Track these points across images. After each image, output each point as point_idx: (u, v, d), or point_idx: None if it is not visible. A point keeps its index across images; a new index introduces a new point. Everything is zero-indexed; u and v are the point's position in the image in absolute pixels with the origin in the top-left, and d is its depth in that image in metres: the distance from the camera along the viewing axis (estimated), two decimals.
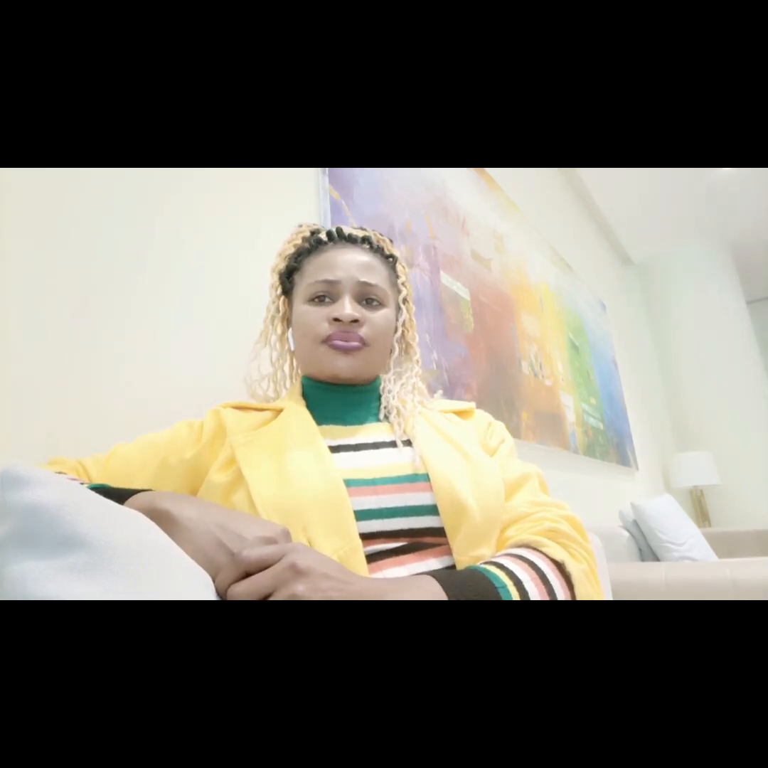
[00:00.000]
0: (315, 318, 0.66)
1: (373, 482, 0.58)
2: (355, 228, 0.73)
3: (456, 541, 0.55)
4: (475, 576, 0.47)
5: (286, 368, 0.79)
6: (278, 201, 1.15)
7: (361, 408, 0.69)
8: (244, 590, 0.40)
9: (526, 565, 0.50)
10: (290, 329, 0.76)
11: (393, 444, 0.64)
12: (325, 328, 0.65)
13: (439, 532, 0.56)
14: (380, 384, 0.73)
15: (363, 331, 0.66)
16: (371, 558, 0.54)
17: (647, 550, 1.93)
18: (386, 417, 0.69)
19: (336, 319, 0.65)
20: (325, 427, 0.65)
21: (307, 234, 0.74)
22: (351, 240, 0.71)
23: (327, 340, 0.65)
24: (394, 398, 0.69)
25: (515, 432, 1.83)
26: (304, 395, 0.70)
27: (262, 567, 0.42)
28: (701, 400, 3.81)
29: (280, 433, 0.62)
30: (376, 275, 0.69)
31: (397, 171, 1.58)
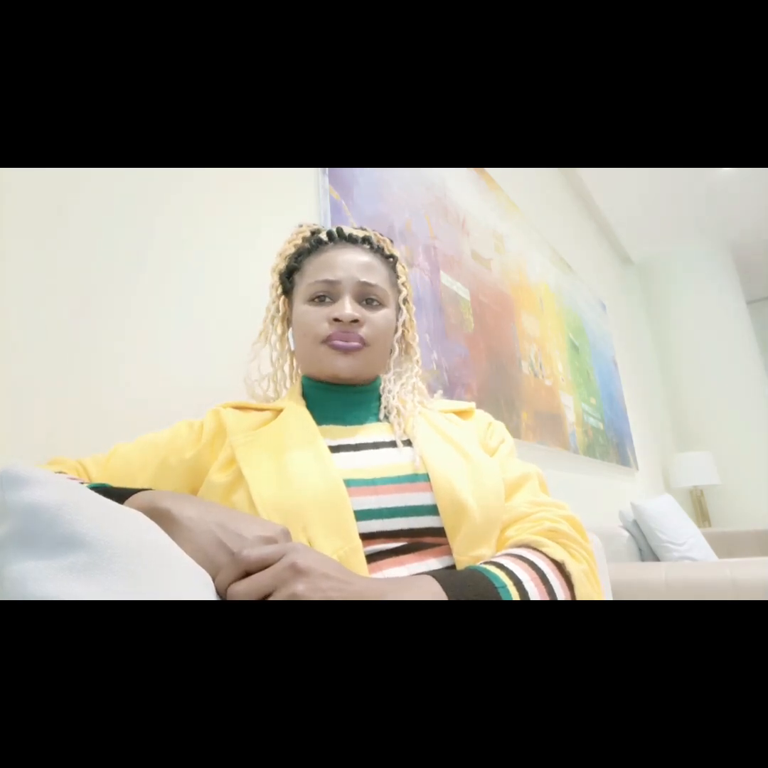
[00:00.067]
0: (315, 318, 0.66)
1: (373, 482, 0.58)
2: (356, 228, 0.73)
3: (456, 541, 0.55)
4: (475, 576, 0.47)
5: (286, 368, 0.79)
6: (278, 201, 1.15)
7: (361, 408, 0.69)
8: (243, 589, 0.40)
9: (526, 565, 0.50)
10: (290, 329, 0.76)
11: (393, 444, 0.64)
12: (325, 328, 0.65)
13: (439, 532, 0.56)
14: (380, 384, 0.73)
15: (363, 331, 0.66)
16: (371, 558, 0.54)
17: (647, 550, 1.93)
18: (386, 417, 0.69)
19: (336, 319, 0.65)
20: (325, 427, 0.65)
21: (308, 234, 0.74)
22: (351, 240, 0.71)
23: (327, 340, 0.65)
24: (394, 398, 0.69)
25: (515, 432, 1.83)
26: (304, 395, 0.70)
27: (262, 566, 0.42)
28: (701, 400, 3.81)
29: (280, 433, 0.62)
30: (376, 275, 0.69)
31: (397, 171, 1.58)
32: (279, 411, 0.67)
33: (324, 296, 0.67)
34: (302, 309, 0.68)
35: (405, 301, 0.74)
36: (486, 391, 1.73)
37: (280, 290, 0.75)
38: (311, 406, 0.68)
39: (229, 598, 0.41)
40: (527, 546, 0.54)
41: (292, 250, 0.73)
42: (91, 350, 0.76)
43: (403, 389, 0.72)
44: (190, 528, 0.45)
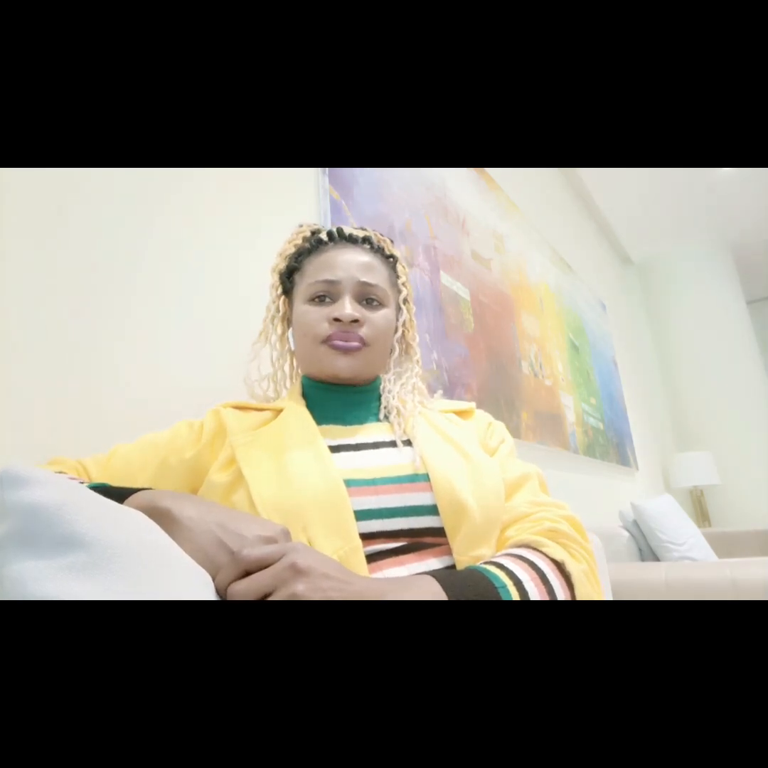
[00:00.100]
0: (315, 318, 0.66)
1: (373, 482, 0.58)
2: (356, 228, 0.73)
3: (456, 541, 0.55)
4: (475, 576, 0.47)
5: (287, 368, 0.79)
6: (278, 201, 1.15)
7: (361, 408, 0.69)
8: (244, 589, 0.40)
9: (526, 565, 0.50)
10: (290, 329, 0.76)
11: (393, 444, 0.64)
12: (326, 328, 0.65)
13: (439, 532, 0.56)
14: (380, 384, 0.73)
15: (363, 331, 0.66)
16: (371, 558, 0.54)
17: (647, 550, 1.93)
18: (386, 417, 0.69)
19: (336, 319, 0.65)
20: (325, 427, 0.65)
21: (308, 234, 0.74)
22: (351, 240, 0.71)
23: (327, 340, 0.65)
24: (394, 398, 0.69)
25: (515, 432, 1.83)
26: (304, 395, 0.70)
27: (262, 566, 0.42)
28: (701, 400, 3.81)
29: (280, 433, 0.62)
30: (376, 275, 0.69)
31: (397, 171, 1.58)
32: (279, 411, 0.67)
33: (324, 296, 0.67)
34: (302, 309, 0.68)
35: (405, 301, 0.74)
36: (486, 391, 1.73)
37: (280, 290, 0.75)
38: (311, 406, 0.68)
39: (229, 597, 0.41)
40: (527, 546, 0.54)
41: (293, 249, 0.73)
42: (91, 350, 0.76)
43: (403, 389, 0.72)
44: (191, 528, 0.45)
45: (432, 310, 1.55)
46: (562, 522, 0.58)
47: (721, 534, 2.61)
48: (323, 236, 0.71)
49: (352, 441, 0.64)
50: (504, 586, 0.47)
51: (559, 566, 0.52)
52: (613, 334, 3.42)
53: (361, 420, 0.68)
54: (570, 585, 0.51)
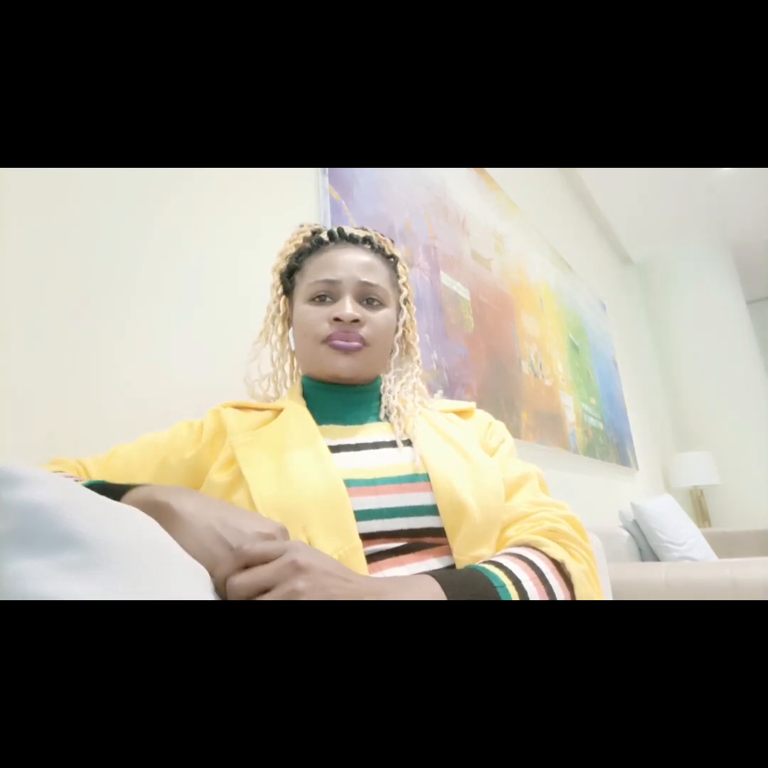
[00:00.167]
0: (316, 318, 0.66)
1: (373, 482, 0.58)
2: (356, 228, 0.73)
3: (456, 541, 0.55)
4: (474, 575, 0.47)
5: (287, 368, 0.79)
6: (278, 201, 1.15)
7: (362, 408, 0.69)
8: (243, 581, 0.40)
9: (525, 565, 0.50)
10: (291, 329, 0.76)
11: (393, 444, 0.64)
12: (326, 328, 0.65)
13: (439, 532, 0.56)
14: (381, 384, 0.73)
15: (364, 331, 0.66)
16: (371, 558, 0.54)
17: (647, 550, 1.93)
18: (386, 417, 0.69)
19: (337, 319, 0.65)
20: (325, 426, 0.65)
21: (309, 234, 0.74)
22: (352, 240, 0.71)
23: (327, 340, 0.65)
24: (394, 398, 0.69)
25: (515, 432, 1.83)
26: (305, 395, 0.70)
27: (263, 561, 0.42)
28: (701, 400, 3.81)
29: (280, 433, 0.62)
30: (377, 275, 0.69)
31: (397, 171, 1.58)
32: (279, 411, 0.67)
33: (324, 296, 0.67)
34: (303, 309, 0.68)
35: (406, 301, 0.74)
36: (486, 391, 1.73)
37: (280, 290, 0.75)
38: (311, 406, 0.68)
39: (229, 589, 0.40)
40: (527, 545, 0.54)
41: (293, 249, 0.73)
42: (91, 350, 0.76)
43: (404, 389, 0.72)
44: (190, 523, 0.45)
45: (432, 310, 1.55)
46: (562, 522, 0.58)
47: (721, 534, 2.61)
48: (324, 236, 0.71)
49: (352, 441, 0.64)
50: (503, 586, 0.47)
51: (559, 566, 0.52)
52: (613, 334, 3.42)
53: (361, 420, 0.68)
54: (570, 585, 0.51)
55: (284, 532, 0.47)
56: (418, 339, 0.78)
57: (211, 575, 0.43)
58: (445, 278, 1.67)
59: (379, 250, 0.72)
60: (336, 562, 0.45)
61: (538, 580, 0.49)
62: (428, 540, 0.56)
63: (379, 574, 0.53)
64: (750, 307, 4.33)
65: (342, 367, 0.65)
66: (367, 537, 0.54)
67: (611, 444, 2.80)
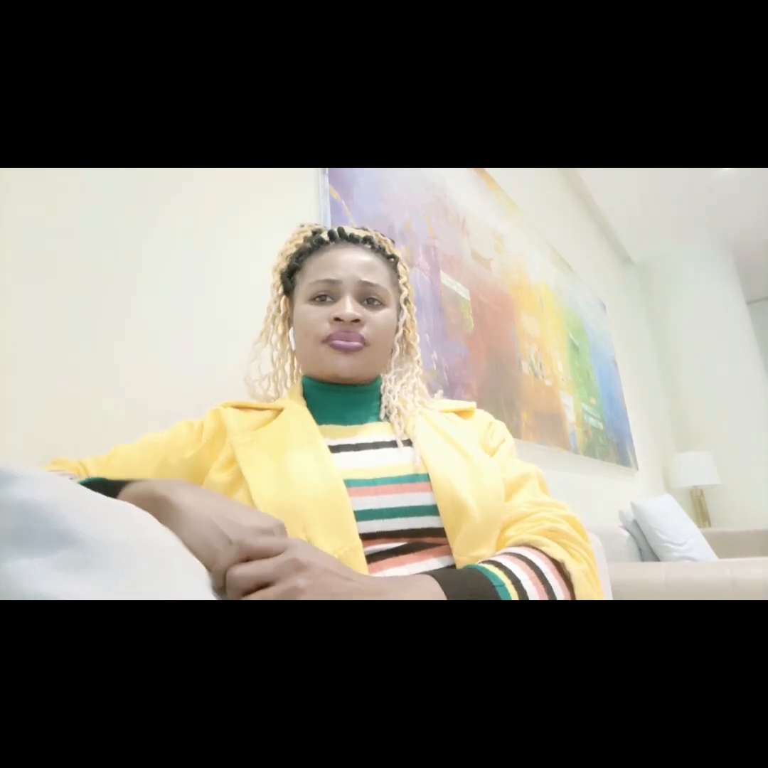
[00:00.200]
0: (316, 317, 0.66)
1: (373, 482, 0.58)
2: (357, 228, 0.73)
3: (456, 541, 0.55)
4: (474, 575, 0.47)
5: (287, 368, 0.79)
6: (278, 201, 1.15)
7: (362, 408, 0.69)
8: (245, 572, 0.40)
9: (524, 564, 0.50)
10: (291, 329, 0.76)
11: (393, 444, 0.64)
12: (326, 328, 0.65)
13: (440, 532, 0.56)
14: (381, 384, 0.73)
15: (364, 331, 0.66)
16: (371, 558, 0.54)
17: (647, 550, 1.93)
18: (387, 417, 0.69)
19: (337, 319, 0.65)
20: (325, 426, 0.65)
21: (309, 233, 0.74)
22: (353, 240, 0.71)
23: (328, 340, 0.65)
24: (394, 398, 0.69)
25: (515, 432, 1.83)
26: (305, 395, 0.70)
27: (264, 556, 0.42)
28: (701, 400, 3.81)
29: (280, 433, 0.62)
30: (377, 275, 0.69)
31: (397, 171, 1.58)
32: (279, 410, 0.67)
33: (325, 296, 0.67)
34: (303, 308, 0.68)
35: (406, 301, 0.74)
36: (486, 391, 1.73)
37: (281, 290, 0.75)
38: (311, 406, 0.68)
39: (229, 580, 0.40)
40: (527, 545, 0.54)
41: (294, 249, 0.73)
42: (91, 350, 0.76)
43: (404, 389, 0.72)
44: (188, 515, 0.45)
45: (432, 310, 1.55)
46: (562, 522, 0.58)
47: (721, 534, 2.61)
48: (324, 236, 0.71)
49: (353, 441, 0.64)
50: (502, 585, 0.47)
51: (559, 566, 0.52)
52: (613, 334, 3.42)
53: (361, 420, 0.68)
54: (569, 585, 0.51)
55: (282, 528, 0.47)
56: (418, 339, 0.78)
57: (209, 568, 0.43)
58: (445, 278, 1.67)
59: (379, 250, 0.72)
60: (336, 560, 0.45)
61: (537, 580, 0.49)
62: (428, 540, 0.56)
63: (379, 574, 0.53)
64: (750, 307, 4.33)
65: (342, 366, 0.65)
66: (367, 537, 0.54)
67: (611, 444, 2.80)
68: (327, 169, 1.27)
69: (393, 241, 0.76)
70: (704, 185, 3.48)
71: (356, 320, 0.65)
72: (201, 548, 0.43)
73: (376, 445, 0.63)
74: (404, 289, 0.74)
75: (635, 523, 1.95)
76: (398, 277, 0.74)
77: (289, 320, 0.77)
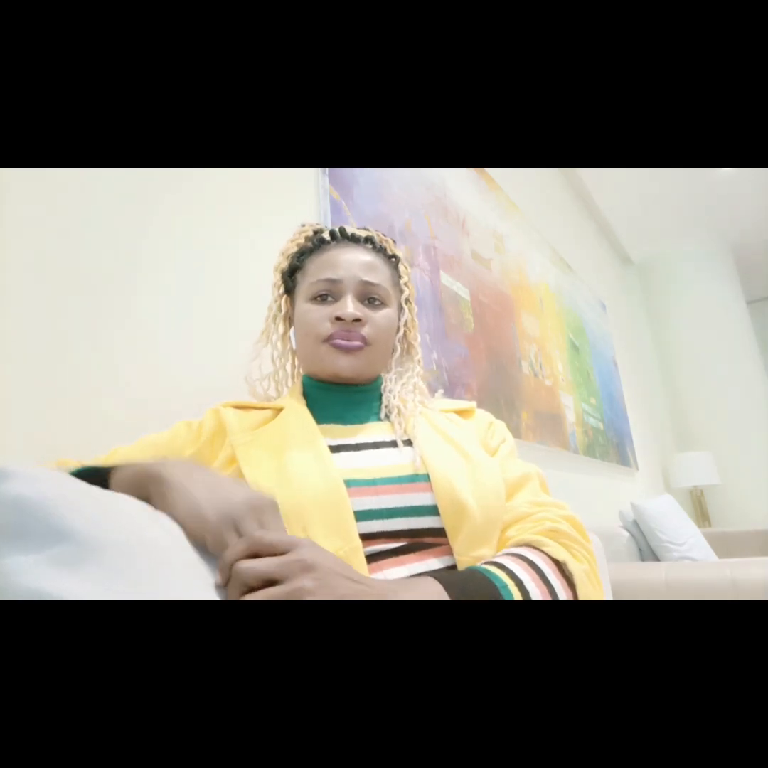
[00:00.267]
0: (317, 317, 0.66)
1: (373, 482, 0.58)
2: (358, 228, 0.73)
3: (457, 541, 0.55)
4: (477, 576, 0.47)
5: (288, 367, 0.79)
6: (278, 201, 1.15)
7: (362, 407, 0.69)
8: (252, 567, 0.40)
9: (526, 565, 0.50)
10: (292, 328, 0.76)
11: (393, 444, 0.64)
12: (327, 327, 0.65)
13: (440, 532, 0.56)
14: (381, 383, 0.73)
15: (365, 331, 0.66)
16: (372, 558, 0.54)
17: (647, 550, 1.93)
18: (387, 416, 0.69)
19: (338, 318, 0.65)
20: (325, 426, 0.65)
21: (311, 233, 0.74)
22: (354, 240, 0.71)
23: (329, 339, 0.65)
24: (395, 398, 0.69)
25: (515, 432, 1.83)
26: (305, 394, 0.70)
27: (271, 552, 0.42)
28: (701, 400, 3.81)
29: (280, 432, 0.62)
30: (378, 275, 0.69)
31: (397, 171, 1.58)
32: (279, 410, 0.67)
33: (326, 295, 0.67)
34: (304, 308, 0.68)
35: (407, 301, 0.74)
36: (486, 391, 1.73)
37: (282, 289, 0.75)
38: (312, 406, 0.68)
39: (235, 573, 0.40)
40: (528, 545, 0.54)
41: (295, 248, 0.73)
42: (91, 350, 0.76)
43: (404, 389, 0.72)
44: (179, 489, 0.45)
45: (432, 310, 1.55)
46: (562, 522, 0.58)
47: (721, 534, 2.61)
48: (326, 235, 0.71)
49: (353, 441, 0.64)
50: (505, 586, 0.47)
51: (560, 566, 0.52)
52: (613, 334, 3.42)
53: (361, 419, 0.68)
54: (571, 585, 0.51)
55: (274, 506, 0.47)
56: (419, 339, 0.78)
57: (201, 542, 0.43)
58: (445, 278, 1.67)
59: (380, 250, 0.72)
60: (343, 562, 0.44)
61: (540, 581, 0.49)
62: (428, 540, 0.56)
63: (379, 574, 0.53)
64: (750, 307, 4.33)
65: (343, 366, 0.65)
66: (367, 537, 0.54)
67: (611, 444, 2.80)
68: (327, 169, 1.27)
69: (394, 242, 0.76)
70: (704, 185, 3.48)
71: (357, 320, 0.65)
72: (195, 522, 0.43)
73: (376, 445, 0.63)
74: (405, 289, 0.74)
75: (635, 523, 1.95)
76: (399, 277, 0.74)
77: (290, 319, 0.77)
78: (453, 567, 0.55)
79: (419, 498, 0.57)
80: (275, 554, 0.41)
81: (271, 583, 0.40)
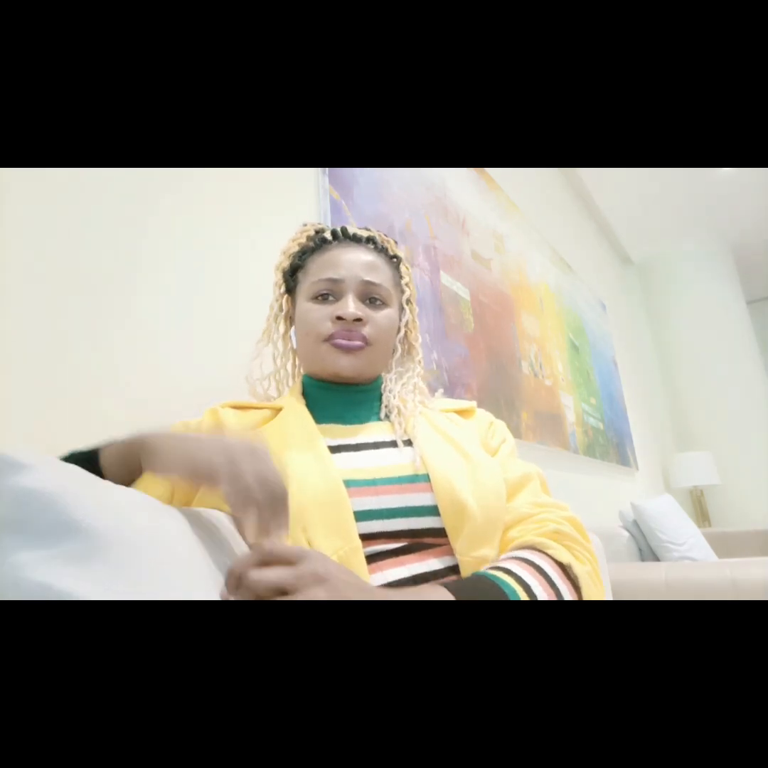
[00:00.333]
0: (318, 316, 0.66)
1: (373, 482, 0.58)
2: (360, 228, 0.73)
3: (458, 541, 0.55)
4: (485, 583, 0.47)
5: (289, 366, 0.79)
6: (278, 201, 1.15)
7: (362, 407, 0.69)
8: (264, 577, 0.40)
9: (533, 569, 0.50)
10: (293, 327, 0.76)
11: (393, 444, 0.64)
12: (328, 327, 0.65)
13: (440, 532, 0.56)
14: (382, 383, 0.73)
15: (366, 331, 0.66)
16: (372, 558, 0.54)
17: (647, 550, 1.93)
18: (387, 416, 0.69)
19: (339, 318, 0.65)
20: (325, 426, 0.65)
21: (312, 232, 0.74)
22: (355, 239, 0.71)
23: (330, 339, 0.65)
24: (395, 398, 0.69)
25: (515, 432, 1.83)
26: (305, 394, 0.70)
27: (282, 561, 0.41)
28: (701, 400, 3.81)
29: (279, 432, 0.62)
30: (379, 275, 0.68)
31: (397, 171, 1.58)
32: (278, 409, 0.67)
33: (327, 294, 0.67)
34: (305, 307, 0.68)
35: (408, 301, 0.74)
36: (486, 391, 1.73)
37: (283, 288, 0.75)
38: (312, 405, 0.68)
39: (247, 581, 0.40)
40: (531, 548, 0.54)
41: (296, 248, 0.73)
42: (91, 350, 0.76)
43: (405, 389, 0.72)
44: (170, 448, 0.46)
45: (432, 310, 1.55)
46: (565, 524, 0.58)
47: (721, 534, 2.61)
48: (327, 235, 0.71)
49: (353, 441, 0.63)
50: (514, 592, 0.47)
51: (565, 569, 0.52)
52: (613, 334, 3.42)
53: (362, 419, 0.68)
54: (576, 587, 0.51)
55: (265, 452, 0.46)
56: (420, 339, 0.78)
57: (205, 481, 0.44)
58: (445, 278, 1.67)
59: (382, 250, 0.72)
60: (353, 573, 0.44)
61: (546, 585, 0.49)
62: (428, 540, 0.56)
63: (379, 575, 0.53)
64: (750, 307, 4.32)
65: (344, 366, 0.65)
66: (367, 537, 0.54)
67: (611, 444, 2.80)
68: (327, 169, 1.27)
69: (396, 242, 0.76)
70: (704, 185, 3.48)
71: (358, 319, 0.65)
72: (191, 466, 0.44)
73: (376, 445, 0.63)
74: (407, 289, 0.74)
75: (635, 523, 1.95)
76: (401, 277, 0.74)
77: (291, 319, 0.76)
78: (453, 567, 0.55)
79: (419, 498, 0.57)
80: (285, 564, 0.41)
81: (281, 593, 0.40)
